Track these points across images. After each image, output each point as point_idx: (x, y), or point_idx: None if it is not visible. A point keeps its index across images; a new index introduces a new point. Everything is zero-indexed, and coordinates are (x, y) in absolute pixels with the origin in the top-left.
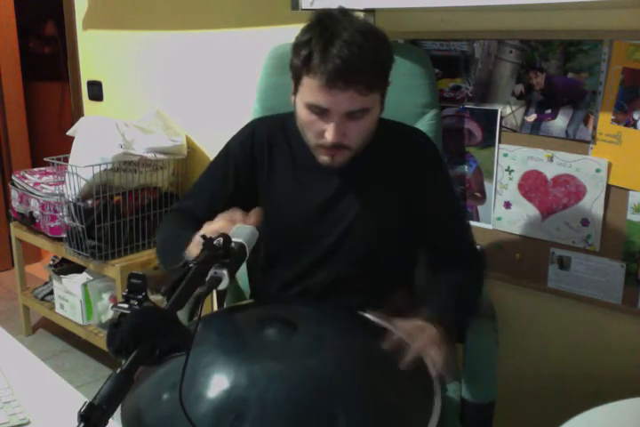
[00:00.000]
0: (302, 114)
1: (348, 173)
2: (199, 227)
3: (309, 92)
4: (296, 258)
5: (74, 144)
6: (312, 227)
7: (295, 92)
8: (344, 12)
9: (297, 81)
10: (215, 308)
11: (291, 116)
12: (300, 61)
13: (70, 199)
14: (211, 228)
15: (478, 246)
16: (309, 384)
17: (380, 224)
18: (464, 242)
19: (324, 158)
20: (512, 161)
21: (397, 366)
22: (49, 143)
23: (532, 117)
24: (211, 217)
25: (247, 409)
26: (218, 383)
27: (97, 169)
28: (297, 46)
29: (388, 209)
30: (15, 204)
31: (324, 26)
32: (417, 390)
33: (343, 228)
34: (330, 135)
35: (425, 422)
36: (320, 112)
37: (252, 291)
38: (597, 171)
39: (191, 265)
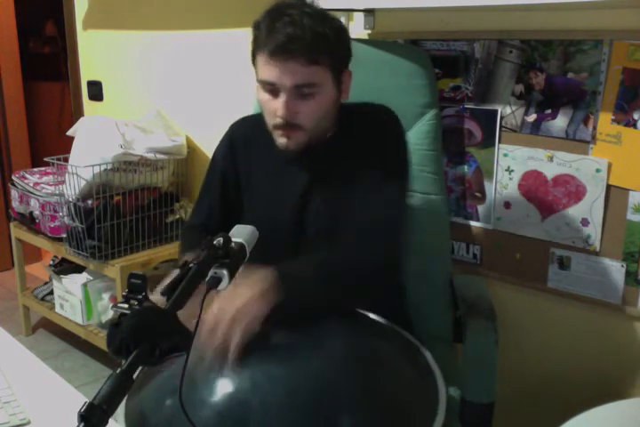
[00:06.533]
0: (258, 95)
1: (319, 163)
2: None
3: (260, 68)
4: (281, 253)
5: (74, 144)
6: (292, 219)
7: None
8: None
9: (253, 63)
10: None
11: None
12: (252, 41)
13: (70, 199)
14: None
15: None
16: (312, 387)
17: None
18: (360, 226)
19: (280, 141)
20: (512, 161)
21: (401, 366)
22: (49, 143)
23: (532, 117)
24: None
25: (250, 413)
26: (220, 388)
27: (97, 169)
28: (252, 29)
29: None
30: (15, 204)
31: (275, 9)
32: (421, 391)
33: (323, 218)
34: (280, 111)
35: (430, 424)
36: (271, 89)
37: None
38: (597, 171)
39: (191, 265)
